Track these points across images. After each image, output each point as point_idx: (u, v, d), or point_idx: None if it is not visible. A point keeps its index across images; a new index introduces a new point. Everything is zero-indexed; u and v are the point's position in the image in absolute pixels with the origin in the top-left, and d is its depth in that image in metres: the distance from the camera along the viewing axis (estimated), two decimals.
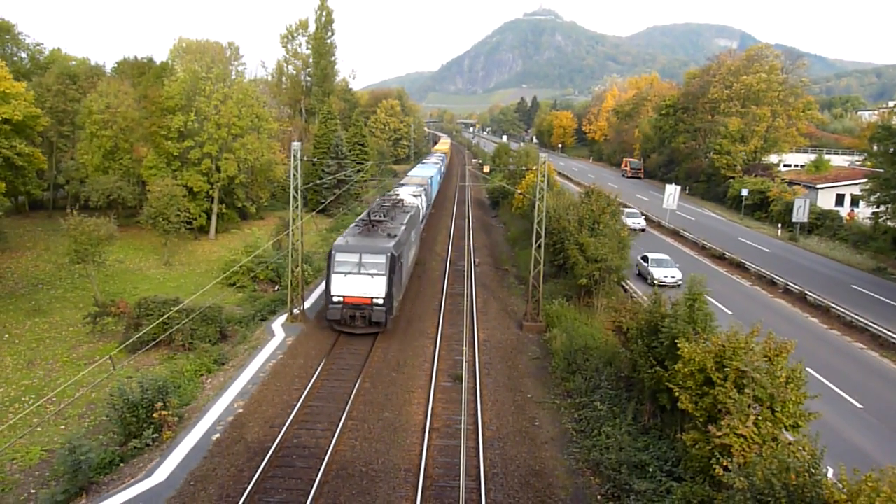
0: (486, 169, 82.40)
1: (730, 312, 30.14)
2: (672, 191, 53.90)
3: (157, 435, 19.56)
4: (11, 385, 25.99)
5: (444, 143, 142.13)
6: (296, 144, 30.71)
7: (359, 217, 35.15)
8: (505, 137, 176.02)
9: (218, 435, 19.56)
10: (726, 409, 14.25)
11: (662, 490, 15.89)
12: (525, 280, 35.48)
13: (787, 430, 14.47)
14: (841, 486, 10.75)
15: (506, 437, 20.11)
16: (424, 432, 19.97)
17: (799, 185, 64.00)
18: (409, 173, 67.35)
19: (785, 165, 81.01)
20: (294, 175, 30.40)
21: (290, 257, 31.14)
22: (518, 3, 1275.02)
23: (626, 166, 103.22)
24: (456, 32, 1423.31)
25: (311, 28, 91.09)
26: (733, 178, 70.70)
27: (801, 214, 51.34)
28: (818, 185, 62.83)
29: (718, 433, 13.93)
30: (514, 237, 52.26)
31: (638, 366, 19.64)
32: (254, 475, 17.15)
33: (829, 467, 12.90)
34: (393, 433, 20.05)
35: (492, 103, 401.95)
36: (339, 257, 27.44)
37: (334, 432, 19.68)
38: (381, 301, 27.14)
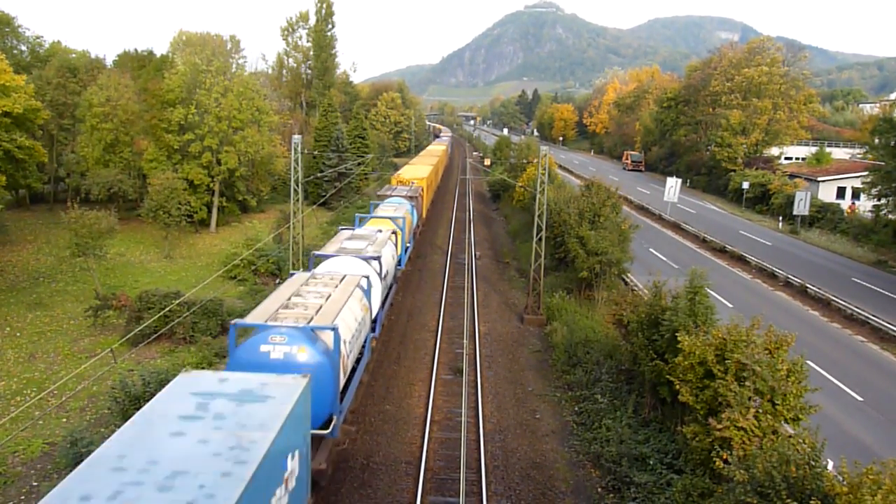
0: (487, 162, 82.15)
1: (730, 305, 30.14)
2: (673, 184, 53.86)
3: None
4: (13, 378, 26.03)
5: (433, 153, 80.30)
6: (296, 137, 30.66)
7: None
8: (506, 130, 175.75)
9: None
10: (727, 402, 14.27)
11: (663, 482, 15.93)
12: (526, 273, 35.47)
13: (787, 422, 14.49)
14: (841, 478, 10.78)
15: (506, 430, 20.15)
16: (425, 425, 20.00)
17: (800, 177, 63.92)
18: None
19: (786, 158, 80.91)
20: (295, 168, 30.36)
21: (291, 250, 31.13)
22: None
23: (626, 159, 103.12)
24: (456, 25, 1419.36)
25: (312, 20, 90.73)
26: (734, 170, 70.63)
27: (802, 207, 51.30)
28: (819, 178, 62.75)
29: (719, 426, 13.95)
30: (514, 230, 52.22)
31: (638, 359, 19.66)
32: None
33: (829, 460, 12.93)
34: (394, 426, 20.09)
35: (493, 96, 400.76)
36: None
37: None
38: None
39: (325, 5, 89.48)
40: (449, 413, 21.13)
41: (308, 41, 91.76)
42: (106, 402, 22.60)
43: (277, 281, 39.06)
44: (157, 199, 44.09)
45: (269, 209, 62.45)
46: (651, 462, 16.88)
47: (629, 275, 34.34)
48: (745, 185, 63.91)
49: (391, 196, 40.73)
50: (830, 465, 12.64)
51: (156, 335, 26.66)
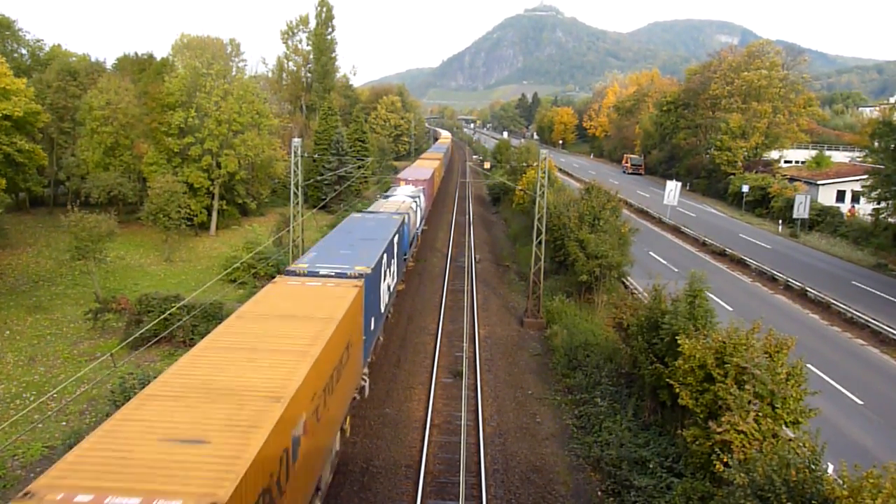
0: (487, 165, 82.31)
1: (730, 309, 30.14)
2: (673, 187, 53.88)
3: None
4: (13, 381, 26.01)
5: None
6: (296, 141, 30.68)
7: None
8: (506, 134, 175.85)
9: None
10: (727, 406, 14.25)
11: (663, 486, 15.90)
12: (525, 276, 35.46)
13: (787, 426, 14.47)
14: (841, 482, 10.76)
15: (506, 434, 20.13)
16: (425, 428, 19.98)
17: (800, 181, 63.98)
18: None
19: (786, 162, 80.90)
20: (295, 171, 30.38)
21: (291, 254, 31.10)
22: None
23: (626, 163, 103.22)
24: (456, 28, 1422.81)
25: (312, 24, 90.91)
26: (734, 174, 70.68)
27: (801, 211, 51.33)
28: (819, 182, 62.80)
29: (719, 429, 13.94)
30: (514, 233, 52.23)
31: (638, 362, 19.64)
32: None
33: (829, 463, 12.91)
34: (393, 429, 20.06)
35: (492, 99, 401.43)
36: None
37: None
38: None
39: (325, 9, 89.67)
40: (449, 416, 21.11)
41: (308, 45, 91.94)
42: (106, 405, 22.57)
43: None
44: (157, 203, 44.12)
45: (268, 212, 62.50)
46: (651, 465, 16.85)
47: (629, 278, 34.34)
48: (745, 188, 63.94)
49: None
50: (831, 469, 12.63)
51: (156, 339, 26.66)
